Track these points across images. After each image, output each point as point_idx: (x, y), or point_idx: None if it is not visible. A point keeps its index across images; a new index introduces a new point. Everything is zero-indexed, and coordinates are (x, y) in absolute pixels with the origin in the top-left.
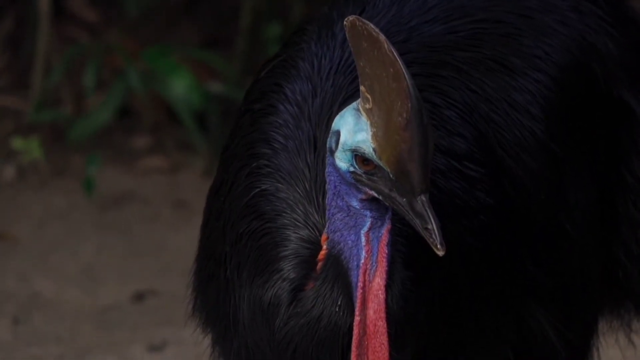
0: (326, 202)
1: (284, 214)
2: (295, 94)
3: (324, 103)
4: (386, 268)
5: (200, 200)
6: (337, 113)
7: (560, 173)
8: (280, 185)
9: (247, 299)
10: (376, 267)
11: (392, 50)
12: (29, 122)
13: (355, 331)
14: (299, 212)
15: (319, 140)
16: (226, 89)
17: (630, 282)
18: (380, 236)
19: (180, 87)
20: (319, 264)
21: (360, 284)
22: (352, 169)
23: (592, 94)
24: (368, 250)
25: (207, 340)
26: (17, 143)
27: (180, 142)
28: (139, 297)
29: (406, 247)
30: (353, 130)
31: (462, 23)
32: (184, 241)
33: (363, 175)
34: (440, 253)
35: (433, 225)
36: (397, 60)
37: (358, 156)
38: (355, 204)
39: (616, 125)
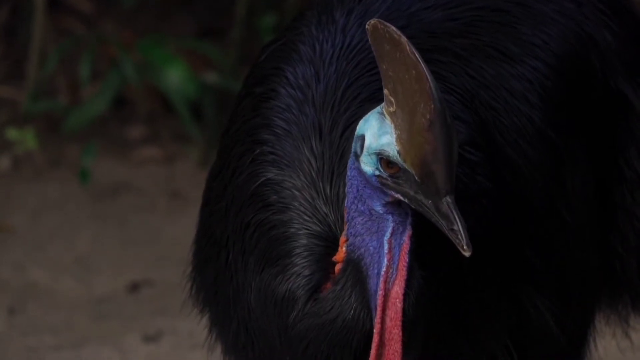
0: (345, 204)
1: (291, 206)
2: (297, 78)
3: (327, 88)
4: (406, 276)
5: (196, 191)
6: (341, 99)
7: (558, 161)
8: (285, 174)
9: (255, 287)
10: (396, 275)
11: (414, 51)
12: (24, 113)
13: (375, 339)
14: (306, 204)
15: (324, 126)
16: (221, 79)
17: (627, 274)
18: (402, 243)
19: (175, 78)
20: (338, 266)
21: (381, 292)
22: (377, 172)
23: (589, 84)
24: (390, 259)
25: (204, 331)
26: (12, 133)
27: (176, 132)
28: (134, 287)
29: (418, 246)
30: (377, 133)
31: (461, 10)
32: (179, 231)
33: (388, 178)
34: (467, 254)
35: (459, 226)
36: (419, 62)
37: (383, 159)
38: (378, 208)
39: (613, 116)
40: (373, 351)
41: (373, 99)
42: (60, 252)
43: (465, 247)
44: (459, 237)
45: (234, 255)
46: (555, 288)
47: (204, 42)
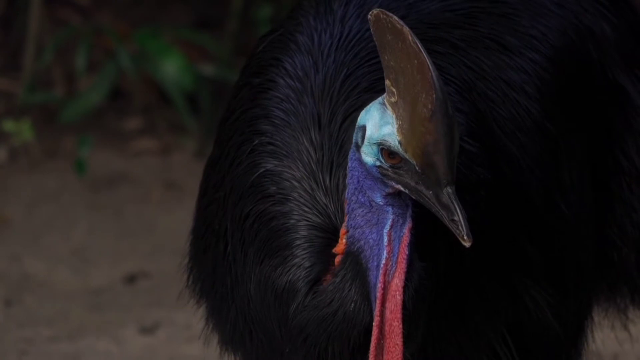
0: (345, 195)
1: (290, 197)
2: (295, 69)
3: (326, 78)
4: (405, 269)
5: (192, 181)
6: (340, 89)
7: (555, 152)
8: (284, 164)
9: (255, 278)
10: (395, 267)
11: (416, 41)
12: (20, 104)
13: (375, 332)
14: (306, 195)
15: (323, 117)
16: (217, 70)
17: (625, 265)
18: (402, 236)
19: (171, 69)
20: (338, 258)
21: (380, 285)
22: (378, 163)
23: (587, 76)
24: (389, 251)
25: (201, 322)
26: (8, 125)
27: (172, 123)
28: (131, 278)
29: (418, 238)
30: (379, 124)
31: (459, 1)
32: (176, 222)
33: (389, 169)
34: (467, 244)
35: (459, 216)
36: (422, 52)
37: (384, 150)
38: (378, 199)
39: (611, 107)
40: (373, 344)
41: (372, 89)
42: (57, 243)
43: (465, 238)
44: (460, 227)
45: (233, 246)
46: (553, 280)
47: (200, 33)
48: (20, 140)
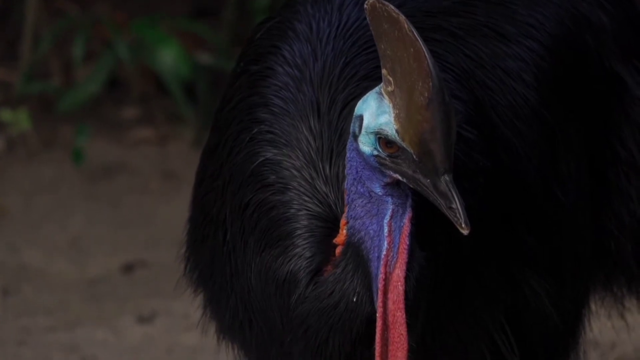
0: (345, 186)
1: (290, 186)
2: (294, 56)
3: (325, 66)
4: (406, 259)
5: (190, 171)
6: (338, 77)
7: (552, 141)
8: (283, 153)
9: (255, 268)
10: (397, 258)
11: (412, 29)
12: (17, 94)
13: (379, 323)
14: (306, 184)
15: (322, 104)
16: (215, 60)
17: (622, 255)
18: (402, 226)
19: (168, 58)
20: (338, 249)
21: (381, 276)
22: (375, 152)
23: (584, 65)
24: (390, 242)
25: (198, 312)
26: (5, 115)
27: (169, 112)
28: (128, 268)
29: (418, 227)
30: (376, 113)
31: None
32: (174, 212)
33: (387, 158)
34: (465, 232)
35: (457, 204)
36: (418, 40)
37: (381, 139)
38: (377, 189)
39: (608, 96)
40: (378, 335)
41: (370, 77)
42: (54, 233)
43: (463, 225)
44: (457, 215)
45: (232, 235)
46: (550, 268)
47: (197, 22)
48: (17, 130)
